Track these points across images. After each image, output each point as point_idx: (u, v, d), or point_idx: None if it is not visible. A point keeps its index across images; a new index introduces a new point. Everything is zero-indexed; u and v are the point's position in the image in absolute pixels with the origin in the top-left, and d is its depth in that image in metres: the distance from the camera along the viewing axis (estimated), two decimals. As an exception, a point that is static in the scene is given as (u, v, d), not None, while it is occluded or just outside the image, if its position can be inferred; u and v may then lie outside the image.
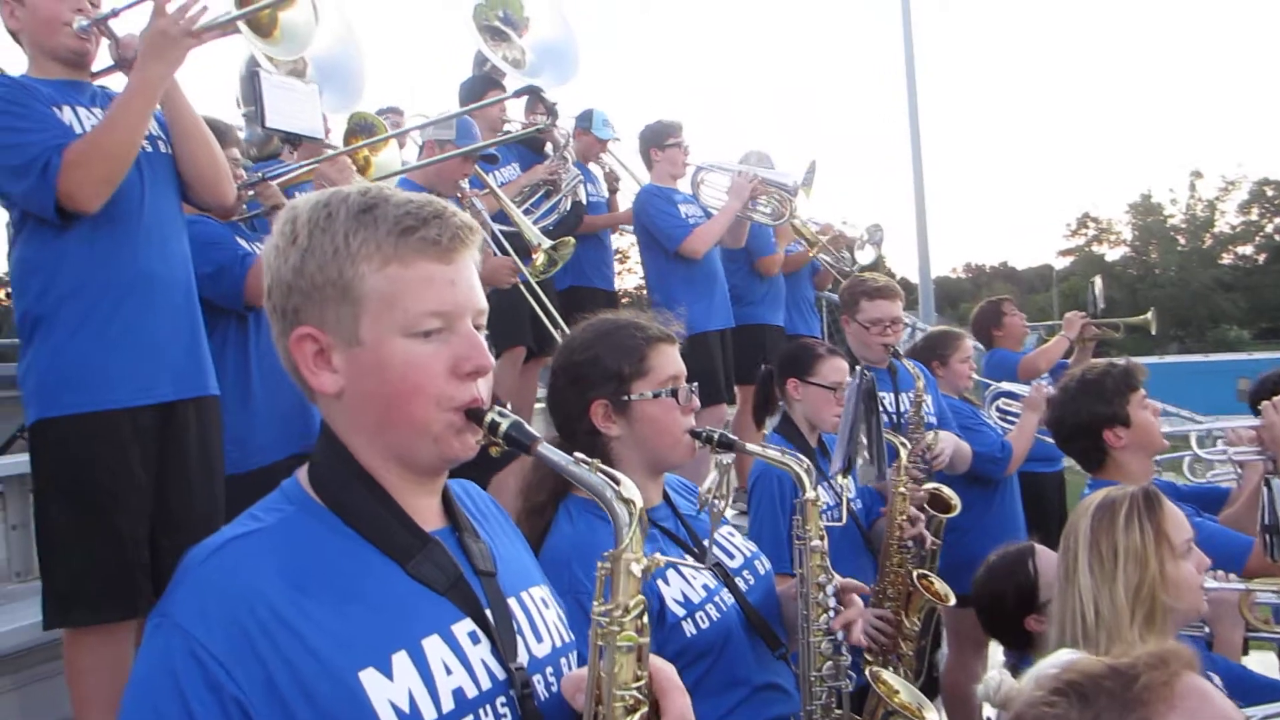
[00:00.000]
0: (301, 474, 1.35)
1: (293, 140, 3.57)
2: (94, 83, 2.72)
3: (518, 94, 4.02)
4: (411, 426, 1.26)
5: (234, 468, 2.88)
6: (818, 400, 3.36)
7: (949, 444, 3.94)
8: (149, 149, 2.66)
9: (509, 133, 5.95)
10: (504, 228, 4.59)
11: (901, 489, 3.26)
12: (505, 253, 4.36)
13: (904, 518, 3.23)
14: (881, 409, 3.82)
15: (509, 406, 1.36)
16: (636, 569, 1.23)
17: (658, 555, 1.32)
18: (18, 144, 2.44)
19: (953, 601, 3.22)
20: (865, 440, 2.77)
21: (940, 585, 3.24)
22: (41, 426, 2.50)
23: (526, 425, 1.27)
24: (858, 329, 4.07)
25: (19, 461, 3.84)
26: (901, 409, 3.93)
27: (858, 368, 2.98)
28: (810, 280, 6.83)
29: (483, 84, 5.73)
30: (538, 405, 6.36)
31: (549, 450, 1.28)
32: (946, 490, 3.78)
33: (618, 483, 1.25)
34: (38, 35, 2.60)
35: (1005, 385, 5.29)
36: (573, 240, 4.61)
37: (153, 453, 2.55)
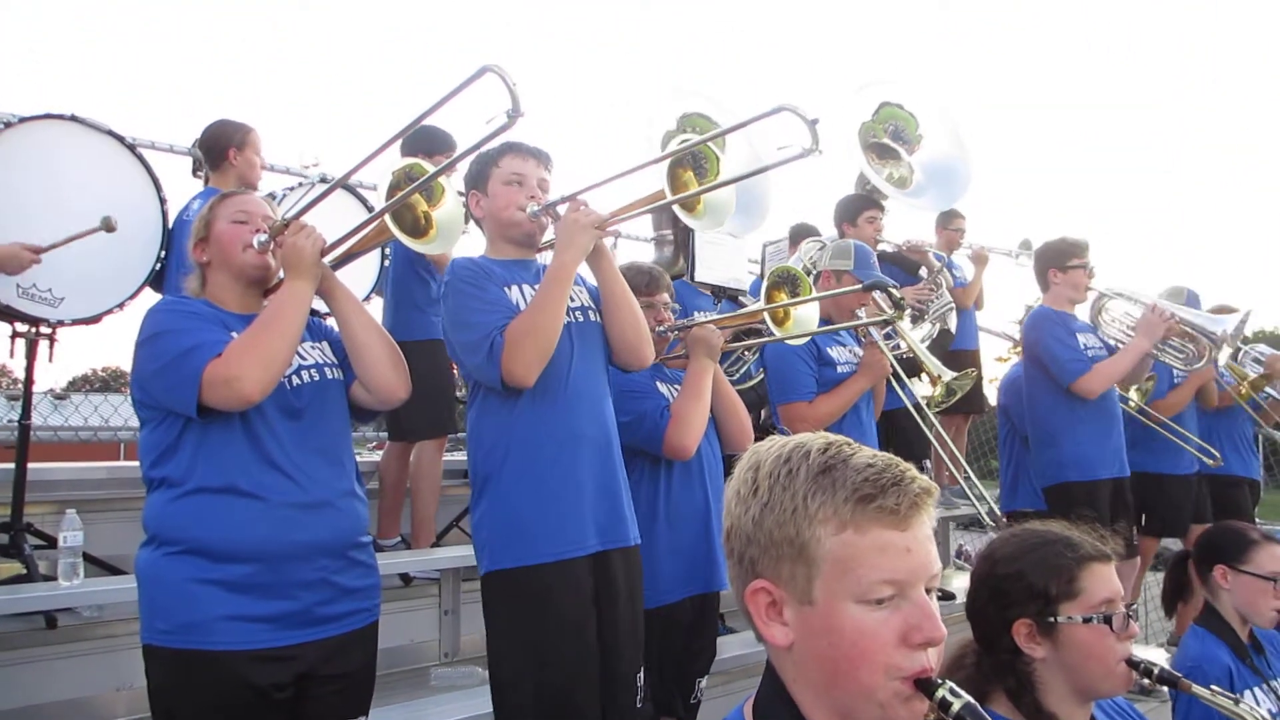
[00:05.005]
0: (747, 707, 1.40)
1: (717, 292, 3.84)
2: (539, 260, 3.02)
3: (866, 288, 3.88)
4: (858, 691, 1.26)
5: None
6: (1252, 592, 2.95)
7: None
8: (580, 319, 2.90)
9: (885, 252, 5.90)
10: (897, 350, 4.53)
11: None
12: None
13: None
14: None
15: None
16: None
17: None
18: (474, 322, 2.76)
19: None
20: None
21: None
22: (489, 578, 2.77)
23: (979, 708, 1.24)
24: None
25: (452, 555, 4.43)
26: None
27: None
28: (1250, 416, 6.03)
29: (861, 204, 5.76)
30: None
31: None
32: None
33: None
34: (497, 220, 2.93)
35: None
36: (975, 372, 4.46)
37: (589, 599, 2.74)
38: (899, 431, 4.93)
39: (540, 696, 2.66)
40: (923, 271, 5.81)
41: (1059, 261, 5.01)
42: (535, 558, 2.70)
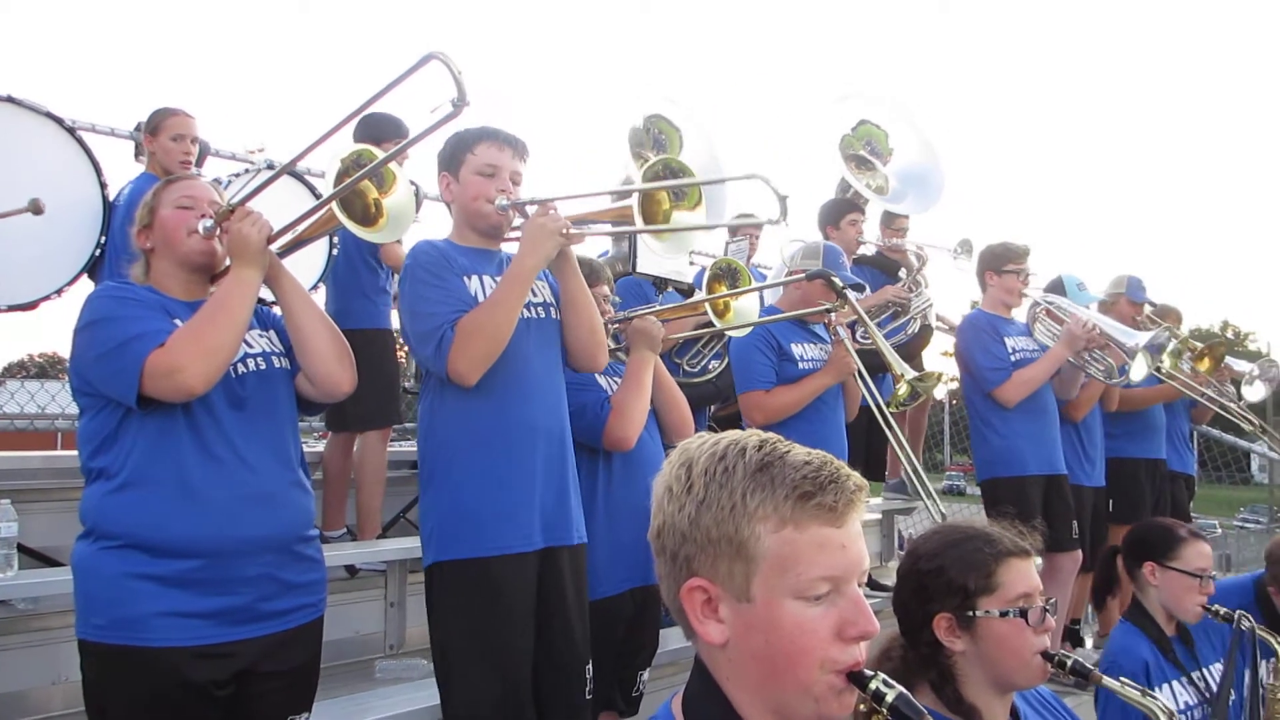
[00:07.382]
0: (675, 704, 1.40)
1: (659, 283, 3.84)
2: (502, 251, 2.99)
3: (809, 278, 3.89)
4: (795, 686, 1.27)
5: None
6: (1179, 588, 3.03)
7: None
8: (541, 315, 2.90)
9: (865, 255, 6.02)
10: (861, 345, 4.57)
11: None
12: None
13: None
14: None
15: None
16: None
17: None
18: (428, 313, 2.74)
19: None
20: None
21: None
22: (436, 569, 2.76)
23: (911, 698, 1.27)
24: None
25: (398, 547, 4.37)
26: None
27: (1237, 613, 2.66)
28: (1187, 414, 6.17)
29: (843, 207, 5.95)
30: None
31: None
32: None
33: None
34: (465, 209, 2.91)
35: None
36: (940, 374, 4.51)
37: (533, 594, 2.74)
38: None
39: (488, 687, 2.65)
40: (902, 272, 5.90)
41: (995, 265, 5.06)
42: (483, 550, 2.69)
